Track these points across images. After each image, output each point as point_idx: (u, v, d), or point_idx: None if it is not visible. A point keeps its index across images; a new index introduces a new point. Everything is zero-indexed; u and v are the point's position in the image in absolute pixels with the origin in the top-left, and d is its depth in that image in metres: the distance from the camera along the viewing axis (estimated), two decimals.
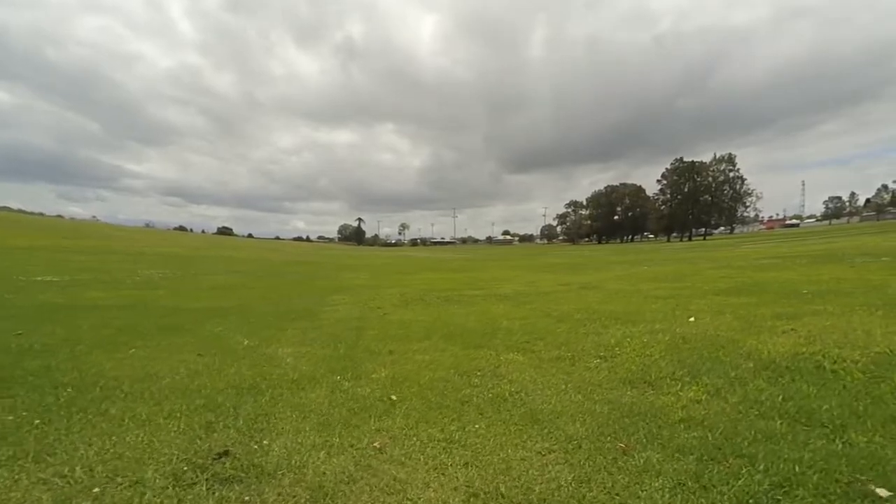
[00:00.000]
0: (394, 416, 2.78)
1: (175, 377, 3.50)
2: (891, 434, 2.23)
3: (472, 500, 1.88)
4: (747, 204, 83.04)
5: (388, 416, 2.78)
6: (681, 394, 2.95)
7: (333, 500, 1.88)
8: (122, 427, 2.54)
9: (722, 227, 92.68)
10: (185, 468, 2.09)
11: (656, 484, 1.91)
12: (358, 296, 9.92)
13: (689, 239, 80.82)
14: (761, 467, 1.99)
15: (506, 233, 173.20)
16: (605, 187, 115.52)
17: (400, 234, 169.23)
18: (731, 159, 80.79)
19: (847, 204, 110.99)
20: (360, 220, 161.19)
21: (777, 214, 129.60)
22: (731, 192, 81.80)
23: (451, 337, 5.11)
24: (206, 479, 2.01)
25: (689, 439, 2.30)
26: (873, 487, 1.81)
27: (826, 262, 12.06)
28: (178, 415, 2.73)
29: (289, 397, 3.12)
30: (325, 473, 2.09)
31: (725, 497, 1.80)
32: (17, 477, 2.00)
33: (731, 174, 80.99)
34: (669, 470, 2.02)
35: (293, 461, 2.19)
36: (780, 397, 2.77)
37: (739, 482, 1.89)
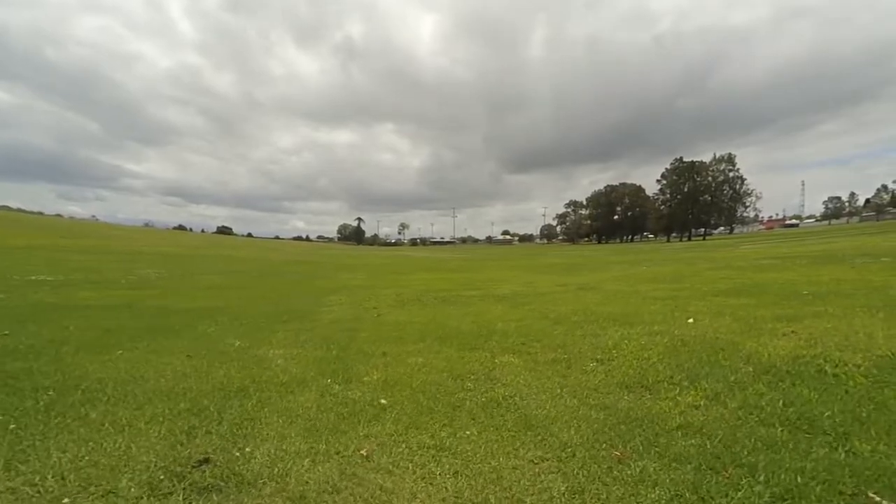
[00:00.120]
0: (383, 422, 2.70)
1: (161, 380, 3.41)
2: None
3: None
4: (747, 204, 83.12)
5: (377, 422, 2.70)
6: (679, 399, 2.86)
7: None
8: (101, 432, 2.45)
9: (721, 227, 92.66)
10: (162, 477, 2.01)
11: (653, 495, 1.83)
12: (354, 296, 9.84)
13: (689, 239, 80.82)
14: (762, 478, 1.91)
15: (505, 233, 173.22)
16: (605, 187, 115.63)
17: (399, 233, 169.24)
18: (730, 159, 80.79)
19: (847, 204, 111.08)
20: (359, 219, 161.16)
21: (777, 214, 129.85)
22: (731, 192, 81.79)
23: (446, 339, 5.02)
24: (184, 489, 1.93)
25: (687, 447, 2.22)
26: (879, 499, 1.73)
27: (826, 262, 11.99)
28: (161, 419, 2.65)
29: (276, 401, 3.03)
30: (307, 482, 2.00)
31: None
32: None
33: (731, 174, 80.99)
34: (666, 480, 1.94)
35: (276, 469, 2.11)
36: (781, 403, 2.69)
37: (739, 494, 1.81)
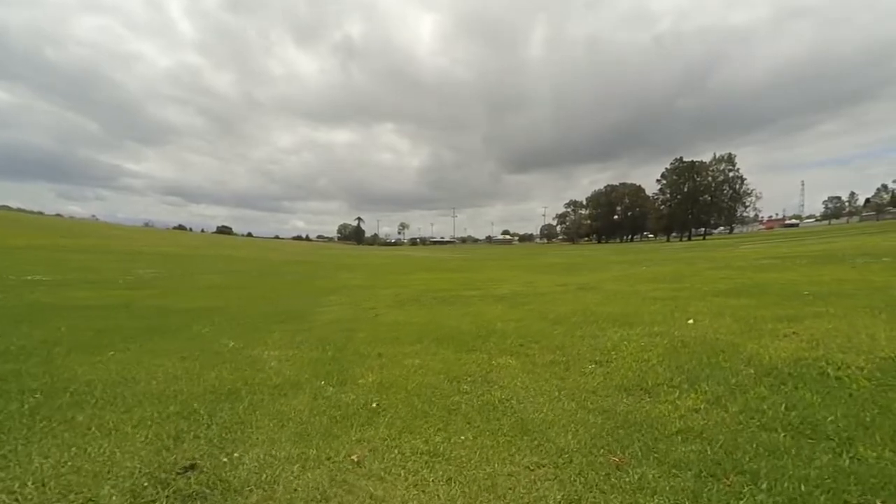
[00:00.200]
0: (376, 426, 2.64)
1: (152, 382, 3.36)
2: None
3: None
4: (747, 204, 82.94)
5: (370, 426, 2.64)
6: (678, 402, 2.80)
7: None
8: (86, 437, 2.40)
9: (721, 227, 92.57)
10: (146, 483, 1.95)
11: None
12: (352, 296, 9.78)
13: (689, 239, 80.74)
14: (764, 486, 1.85)
15: (505, 232, 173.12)
16: (605, 187, 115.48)
17: (399, 233, 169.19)
18: (730, 159, 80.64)
19: (846, 204, 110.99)
20: (359, 219, 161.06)
21: (776, 214, 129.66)
22: (731, 191, 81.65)
23: (444, 340, 4.96)
24: (167, 497, 1.87)
25: (687, 453, 2.16)
26: None
27: (826, 262, 11.92)
28: (149, 423, 2.59)
29: (268, 404, 2.97)
30: (296, 490, 1.95)
31: None
32: None
33: (731, 174, 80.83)
34: (666, 488, 1.88)
35: (264, 476, 2.05)
36: (783, 407, 2.63)
37: (741, 503, 1.75)
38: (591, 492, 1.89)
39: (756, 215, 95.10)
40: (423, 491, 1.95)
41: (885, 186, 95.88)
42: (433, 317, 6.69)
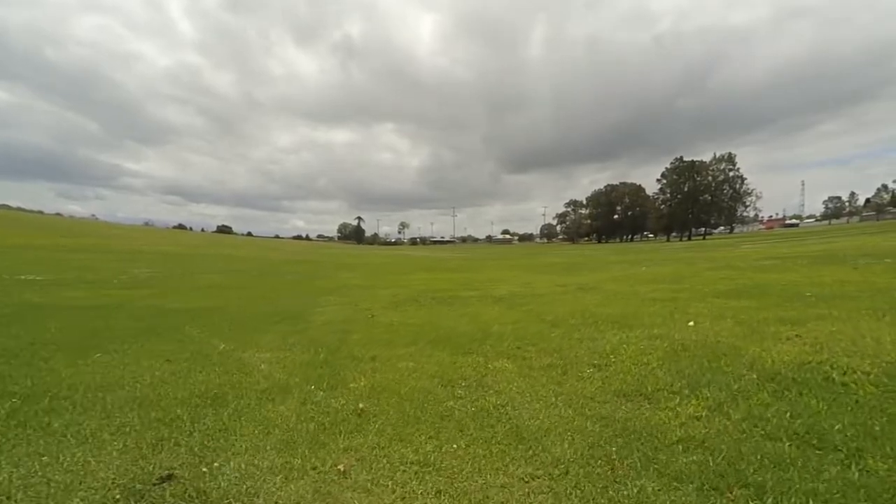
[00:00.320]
0: (366, 433, 2.54)
1: (136, 386, 3.26)
2: None
3: None
4: (747, 203, 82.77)
5: (359, 433, 2.55)
6: (679, 409, 2.71)
7: None
8: (62, 444, 2.30)
9: (721, 227, 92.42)
10: (118, 496, 1.85)
11: None
12: (350, 296, 9.68)
13: (689, 238, 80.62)
14: (770, 500, 1.76)
15: (505, 232, 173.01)
16: (605, 186, 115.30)
17: (399, 233, 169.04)
18: (730, 159, 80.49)
19: (847, 204, 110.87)
20: (359, 218, 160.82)
21: (777, 214, 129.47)
22: (731, 191, 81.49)
23: (440, 342, 4.86)
24: None
25: (689, 464, 2.06)
26: None
27: (827, 263, 11.82)
28: (128, 430, 2.49)
29: (254, 409, 2.88)
30: (277, 503, 1.85)
31: None
32: None
33: (731, 174, 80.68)
34: (666, 502, 1.78)
35: (244, 487, 1.96)
36: (788, 414, 2.53)
37: None
38: None
39: (756, 215, 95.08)
40: None
41: (885, 186, 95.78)
42: (430, 318, 6.59)
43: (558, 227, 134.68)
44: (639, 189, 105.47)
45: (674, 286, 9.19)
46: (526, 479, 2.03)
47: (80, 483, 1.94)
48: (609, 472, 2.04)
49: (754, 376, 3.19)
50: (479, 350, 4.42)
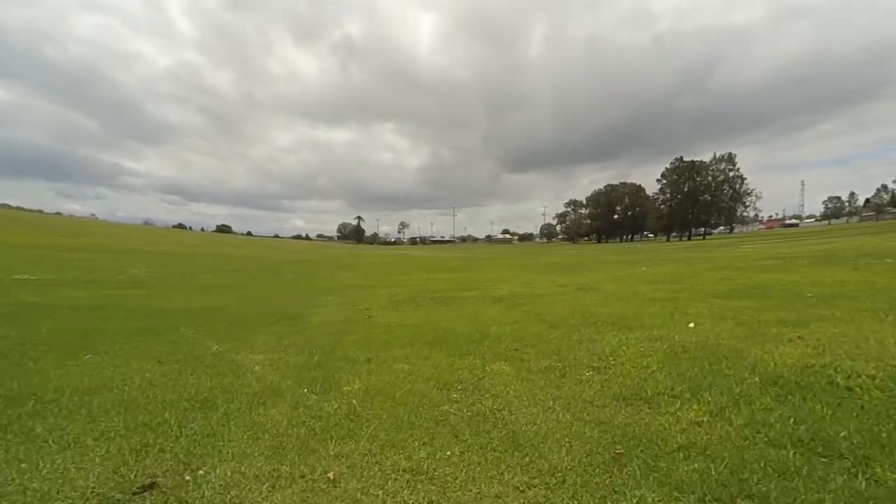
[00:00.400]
0: (357, 439, 2.47)
1: (124, 388, 3.19)
2: None
3: None
4: (747, 203, 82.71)
5: (351, 439, 2.47)
6: (680, 414, 2.63)
7: None
8: (42, 450, 2.23)
9: (721, 227, 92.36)
10: None
11: None
12: (348, 296, 9.61)
13: (689, 238, 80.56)
14: None
15: (505, 231, 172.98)
16: (605, 186, 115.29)
17: (399, 232, 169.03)
18: (730, 159, 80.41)
19: (846, 204, 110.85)
20: (359, 218, 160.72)
21: (776, 214, 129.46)
22: (731, 191, 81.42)
23: (437, 343, 4.79)
24: None
25: (690, 473, 1.99)
26: None
27: (828, 263, 11.76)
28: (112, 435, 2.42)
29: (245, 413, 2.81)
30: None
31: None
32: None
33: (731, 174, 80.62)
34: None
35: (228, 497, 1.89)
36: (792, 420, 2.46)
37: None
38: None
39: (756, 215, 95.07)
40: None
41: (884, 186, 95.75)
42: (428, 318, 6.52)
43: (558, 227, 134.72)
44: (639, 189, 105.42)
45: (674, 286, 9.12)
46: (521, 489, 1.96)
47: (58, 492, 1.87)
48: (608, 481, 1.97)
49: (756, 380, 3.11)
50: (477, 352, 4.35)
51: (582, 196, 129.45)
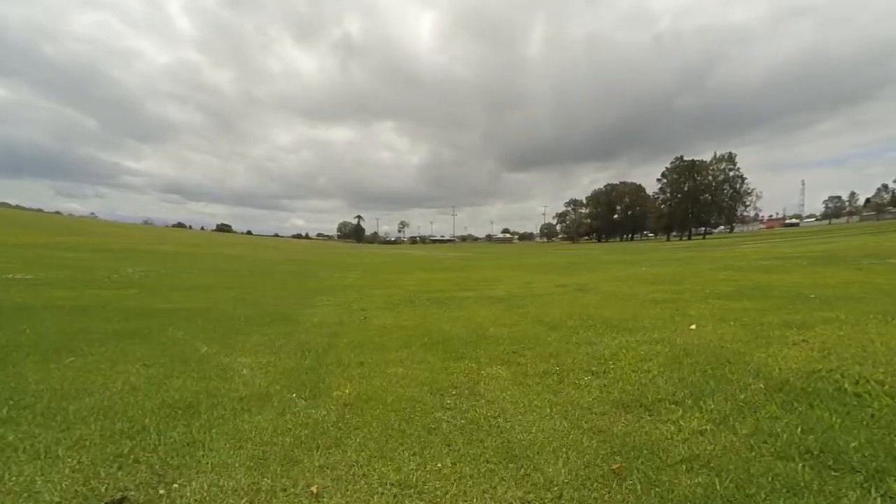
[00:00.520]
0: (345, 448, 2.36)
1: (105, 393, 3.07)
2: None
3: None
4: (747, 203, 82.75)
5: (338, 448, 2.36)
6: (682, 422, 2.52)
7: None
8: (10, 461, 2.11)
9: (722, 227, 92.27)
10: None
11: None
12: (345, 296, 9.49)
13: (689, 238, 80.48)
14: None
15: (505, 231, 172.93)
16: (605, 186, 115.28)
17: (399, 231, 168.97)
18: (731, 158, 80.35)
19: (847, 204, 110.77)
20: (359, 217, 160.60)
21: (777, 214, 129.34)
22: (731, 191, 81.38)
23: (433, 345, 4.68)
24: None
25: (694, 487, 1.88)
26: None
27: (830, 263, 11.65)
28: (87, 444, 2.31)
29: (229, 420, 2.69)
30: None
31: None
32: None
33: (731, 173, 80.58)
34: None
35: None
36: (799, 429, 2.35)
37: None
38: None
39: (756, 215, 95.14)
40: None
41: (885, 186, 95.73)
42: (424, 319, 6.41)
43: (558, 227, 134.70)
44: (639, 188, 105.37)
45: (674, 287, 9.01)
46: None
47: None
48: (606, 497, 1.86)
49: (761, 385, 3.00)
50: (473, 355, 4.24)
51: (582, 195, 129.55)
